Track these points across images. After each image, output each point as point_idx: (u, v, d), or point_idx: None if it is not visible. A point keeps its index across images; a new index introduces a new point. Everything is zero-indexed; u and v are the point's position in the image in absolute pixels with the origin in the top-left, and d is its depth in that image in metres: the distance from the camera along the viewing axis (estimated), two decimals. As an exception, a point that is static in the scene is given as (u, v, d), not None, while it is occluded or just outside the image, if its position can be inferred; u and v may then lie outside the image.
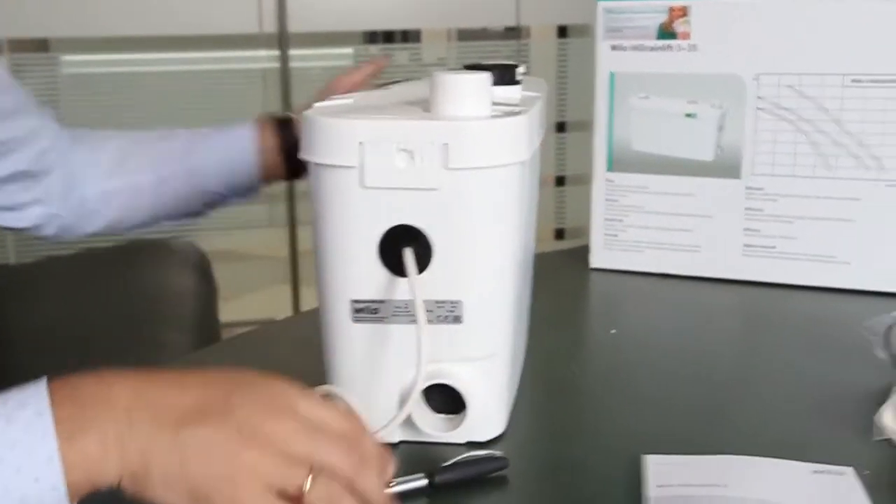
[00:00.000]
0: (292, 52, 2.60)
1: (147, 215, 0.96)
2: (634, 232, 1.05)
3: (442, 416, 0.66)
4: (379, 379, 0.65)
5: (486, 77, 0.62)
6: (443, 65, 2.73)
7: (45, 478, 0.44)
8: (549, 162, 2.79)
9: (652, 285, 1.03)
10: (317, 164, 0.62)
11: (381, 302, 0.63)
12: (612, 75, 1.03)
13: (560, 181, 2.86)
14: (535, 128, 0.69)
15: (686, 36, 1.00)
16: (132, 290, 1.97)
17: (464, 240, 0.62)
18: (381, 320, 0.63)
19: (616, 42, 1.02)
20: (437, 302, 0.62)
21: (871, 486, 0.58)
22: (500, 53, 2.71)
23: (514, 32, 2.72)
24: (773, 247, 1.00)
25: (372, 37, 2.71)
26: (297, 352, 0.82)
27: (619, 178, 1.05)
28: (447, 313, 0.63)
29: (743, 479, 0.59)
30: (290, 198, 2.67)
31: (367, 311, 0.63)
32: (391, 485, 0.56)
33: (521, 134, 0.62)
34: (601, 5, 1.02)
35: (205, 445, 0.46)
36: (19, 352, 1.76)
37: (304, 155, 0.62)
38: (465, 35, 2.76)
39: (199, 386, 0.49)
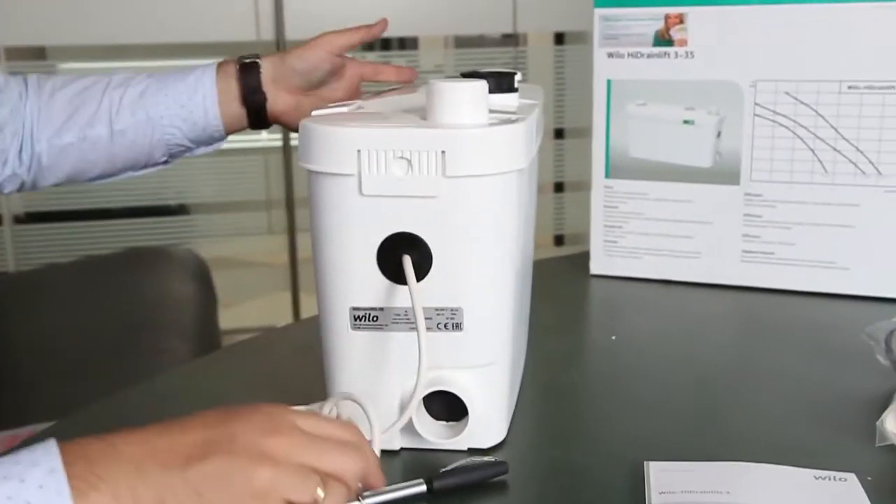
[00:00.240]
0: (290, 59, 2.59)
1: (105, 167, 0.92)
2: (634, 238, 1.05)
3: (443, 423, 0.66)
4: (379, 386, 0.65)
5: (482, 85, 0.62)
6: (440, 72, 2.73)
7: None
8: (548, 169, 2.79)
9: (651, 291, 1.03)
10: (315, 172, 0.62)
11: (381, 309, 0.63)
12: (609, 82, 1.03)
13: (559, 188, 2.86)
14: (533, 135, 0.69)
15: (683, 43, 1.00)
16: (132, 297, 1.97)
17: (463, 247, 0.62)
18: (380, 328, 0.63)
19: (613, 49, 1.03)
20: (437, 309, 0.62)
21: (873, 493, 0.58)
22: (498, 60, 2.72)
23: (511, 39, 2.73)
24: (772, 253, 1.00)
25: (369, 44, 2.72)
26: (296, 359, 0.82)
27: (618, 184, 1.05)
28: (447, 320, 0.63)
29: (745, 486, 0.59)
30: (290, 205, 2.67)
31: (366, 318, 0.63)
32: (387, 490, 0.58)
33: (518, 142, 0.62)
34: (598, 13, 1.03)
35: (217, 475, 0.47)
36: (20, 359, 1.76)
37: (302, 163, 0.63)
38: (463, 42, 2.76)
39: (199, 425, 0.50)
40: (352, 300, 0.63)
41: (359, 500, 0.56)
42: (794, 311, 0.96)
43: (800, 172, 0.98)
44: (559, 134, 2.75)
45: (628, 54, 1.02)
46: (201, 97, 0.90)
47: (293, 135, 0.94)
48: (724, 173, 1.01)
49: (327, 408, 0.62)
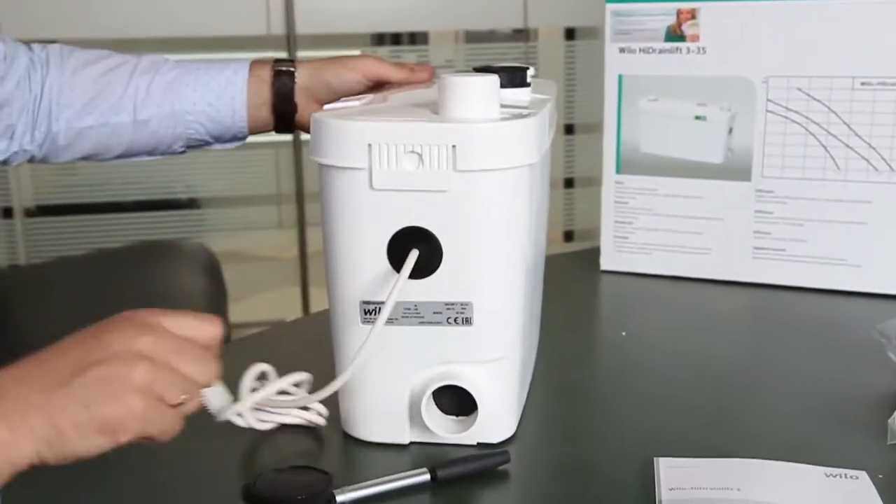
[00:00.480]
0: (300, 53, 2.60)
1: (123, 152, 0.90)
2: (644, 234, 1.05)
3: (452, 417, 0.66)
4: (388, 380, 0.65)
5: (494, 79, 0.62)
6: (451, 67, 2.73)
7: None
8: (558, 164, 2.78)
9: (662, 288, 1.02)
10: (326, 166, 0.62)
11: (393, 304, 0.63)
12: (620, 78, 1.03)
13: (569, 183, 2.85)
14: (545, 130, 0.69)
15: (695, 38, 1.00)
16: (142, 290, 1.98)
17: (473, 242, 0.62)
18: (390, 322, 0.63)
19: (624, 44, 1.02)
20: (447, 304, 0.62)
21: (884, 490, 0.58)
22: (508, 56, 2.71)
23: (521, 34, 2.72)
24: (784, 249, 1.00)
25: (380, 38, 2.72)
26: (306, 353, 0.82)
27: (629, 180, 1.05)
28: (457, 315, 0.63)
29: (755, 483, 0.59)
30: (300, 199, 2.67)
31: (376, 312, 0.63)
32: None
33: (529, 136, 0.62)
34: (609, 8, 1.02)
35: (98, 383, 0.50)
36: (31, 351, 1.76)
37: (313, 156, 0.63)
38: (473, 37, 2.76)
39: (72, 344, 0.52)
40: (362, 294, 0.63)
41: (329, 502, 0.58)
42: (804, 308, 0.96)
43: (812, 169, 0.98)
44: (569, 129, 2.75)
45: (640, 50, 1.02)
46: (230, 98, 0.88)
47: (304, 129, 0.94)
48: (736, 169, 1.00)
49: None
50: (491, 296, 0.63)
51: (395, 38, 2.71)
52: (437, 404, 0.65)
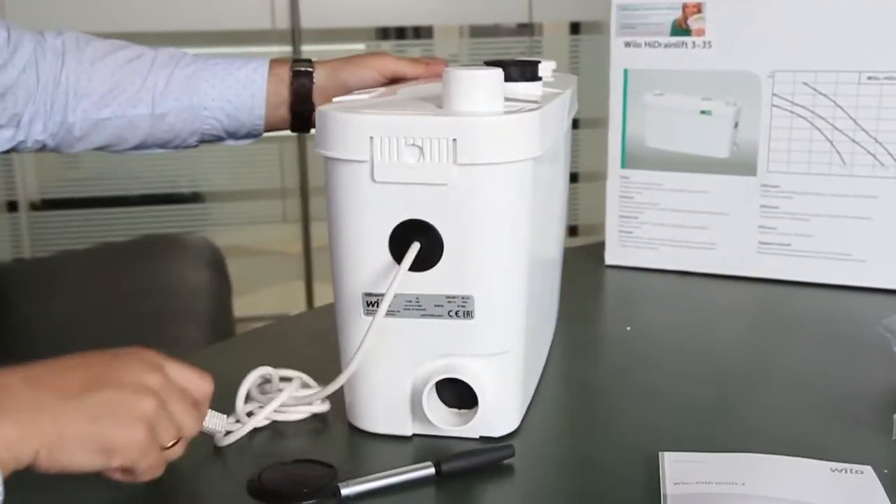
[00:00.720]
0: (305, 47, 2.60)
1: (137, 144, 0.90)
2: (649, 229, 1.05)
3: (454, 410, 0.66)
4: (391, 372, 0.65)
5: (497, 73, 0.62)
6: (455, 61, 2.73)
7: None
8: (563, 159, 2.78)
9: (667, 282, 1.02)
10: (330, 158, 0.62)
11: (393, 295, 0.62)
12: (626, 72, 1.03)
13: (573, 178, 2.85)
14: (553, 124, 0.68)
15: (700, 33, 0.99)
16: (147, 284, 1.98)
17: (474, 235, 0.61)
18: (392, 314, 0.63)
19: (630, 39, 1.02)
20: (448, 297, 0.62)
21: (890, 485, 0.58)
22: (513, 50, 2.71)
23: (526, 29, 2.72)
24: (789, 244, 1.00)
25: (384, 33, 2.71)
26: (310, 346, 0.82)
27: (634, 175, 1.05)
28: (458, 308, 0.62)
29: (760, 477, 0.58)
30: (304, 194, 2.67)
31: (378, 304, 0.63)
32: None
33: (532, 130, 0.62)
34: (615, 2, 1.02)
35: (108, 403, 0.52)
36: (35, 345, 1.77)
37: (318, 149, 0.62)
38: (478, 31, 2.76)
39: (81, 364, 0.54)
40: (365, 286, 0.63)
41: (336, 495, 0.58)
42: (810, 303, 0.96)
43: (817, 164, 0.97)
44: (574, 124, 2.73)
45: (645, 44, 1.01)
46: (250, 96, 0.88)
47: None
48: (741, 164, 1.00)
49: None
50: (492, 290, 0.63)
51: (400, 33, 2.71)
52: (440, 397, 0.65)
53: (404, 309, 0.63)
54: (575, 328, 0.89)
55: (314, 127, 0.91)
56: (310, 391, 0.69)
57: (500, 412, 0.66)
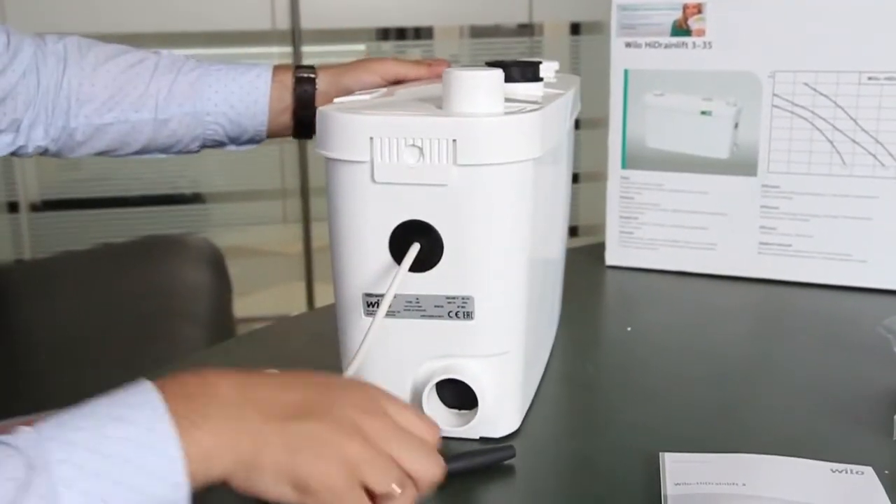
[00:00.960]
0: (305, 48, 2.60)
1: (140, 149, 0.90)
2: (649, 229, 1.05)
3: (455, 410, 0.66)
4: (391, 372, 0.65)
5: (497, 73, 0.62)
6: (456, 62, 2.73)
7: (168, 474, 0.45)
8: (563, 159, 2.78)
9: (667, 283, 1.02)
10: (330, 159, 0.62)
11: (394, 296, 0.62)
12: (626, 72, 1.03)
13: (574, 178, 2.85)
14: (553, 125, 0.68)
15: (701, 33, 0.99)
16: (147, 285, 1.98)
17: (474, 236, 0.61)
18: (392, 314, 0.63)
19: (630, 39, 1.02)
20: (448, 297, 0.62)
21: (891, 486, 0.58)
22: (514, 50, 2.71)
23: (527, 29, 2.72)
24: (789, 245, 1.00)
25: (384, 33, 2.71)
26: (311, 347, 0.82)
27: (634, 175, 1.05)
28: (458, 308, 0.62)
29: (761, 478, 0.58)
30: (305, 194, 2.67)
31: (378, 304, 0.63)
32: None
33: (532, 131, 0.62)
34: (615, 2, 1.02)
35: (311, 437, 0.49)
36: (35, 346, 1.77)
37: (318, 149, 0.63)
38: (478, 32, 2.76)
39: (298, 385, 0.51)
40: (365, 286, 0.63)
41: None
42: (810, 304, 0.95)
43: (818, 164, 0.97)
44: (574, 124, 2.74)
45: (646, 44, 1.01)
46: (253, 101, 0.88)
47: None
48: (742, 164, 1.00)
49: None
50: (492, 291, 0.63)
51: (400, 33, 2.71)
52: (440, 397, 0.65)
53: (404, 309, 0.63)
54: (575, 328, 0.89)
55: (315, 133, 0.92)
56: None
57: (500, 413, 0.66)
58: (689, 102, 1.01)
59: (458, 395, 0.65)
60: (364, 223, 0.62)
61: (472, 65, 0.68)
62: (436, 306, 0.62)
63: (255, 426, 0.48)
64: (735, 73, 0.98)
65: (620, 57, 1.03)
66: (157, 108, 0.87)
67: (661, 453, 0.62)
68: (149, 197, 2.63)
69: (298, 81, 0.89)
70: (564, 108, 0.75)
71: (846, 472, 0.59)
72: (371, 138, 0.60)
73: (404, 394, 0.65)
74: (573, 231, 2.89)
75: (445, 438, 0.64)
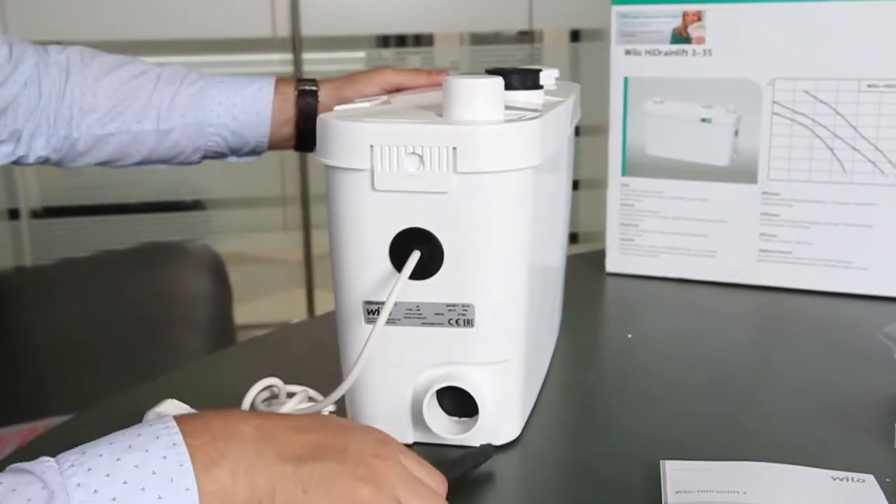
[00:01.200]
0: (305, 55, 2.60)
1: (141, 160, 0.90)
2: (650, 237, 1.05)
3: (455, 418, 0.65)
4: (391, 380, 0.65)
5: (497, 81, 0.62)
6: (456, 69, 2.73)
7: None
8: (563, 166, 2.78)
9: (668, 290, 1.02)
10: (331, 167, 0.62)
11: (394, 304, 0.62)
12: (626, 80, 1.03)
13: (574, 185, 2.85)
14: (553, 132, 0.68)
15: (701, 41, 0.99)
16: (148, 292, 1.98)
17: (474, 244, 0.61)
18: (393, 322, 0.63)
19: (630, 46, 1.02)
20: (449, 305, 0.62)
21: (892, 494, 0.58)
22: (514, 58, 2.71)
23: (527, 36, 2.72)
24: (790, 252, 1.00)
25: (385, 41, 2.72)
26: (311, 354, 0.82)
27: (635, 182, 1.05)
28: (458, 316, 0.62)
29: (762, 486, 0.58)
30: (305, 201, 2.67)
31: (378, 312, 0.63)
32: None
33: (532, 138, 0.62)
34: (615, 9, 1.02)
35: (325, 478, 0.49)
36: (36, 352, 1.77)
37: (318, 157, 0.63)
38: (478, 39, 2.76)
39: (314, 427, 0.52)
40: (365, 294, 0.63)
41: None
42: (810, 311, 0.95)
43: (818, 171, 0.97)
44: (574, 131, 2.75)
45: (646, 52, 1.02)
46: (255, 113, 0.89)
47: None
48: (742, 172, 1.00)
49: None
50: (493, 298, 0.63)
51: (401, 40, 2.71)
52: (441, 405, 0.65)
53: (405, 317, 0.63)
54: (575, 336, 0.89)
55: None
56: (312, 404, 0.69)
57: (501, 420, 0.66)
58: (689, 110, 1.01)
59: (458, 402, 0.65)
60: (364, 231, 0.62)
61: (472, 72, 0.68)
62: (436, 314, 0.62)
63: (271, 465, 0.49)
64: (735, 81, 0.99)
65: (620, 64, 1.03)
66: (159, 119, 0.87)
67: (661, 461, 0.62)
68: (149, 204, 2.63)
69: (301, 94, 0.90)
70: (564, 115, 0.75)
71: (847, 480, 0.59)
72: (371, 146, 0.60)
73: (404, 401, 0.65)
74: (573, 238, 2.89)
75: (448, 446, 0.65)
